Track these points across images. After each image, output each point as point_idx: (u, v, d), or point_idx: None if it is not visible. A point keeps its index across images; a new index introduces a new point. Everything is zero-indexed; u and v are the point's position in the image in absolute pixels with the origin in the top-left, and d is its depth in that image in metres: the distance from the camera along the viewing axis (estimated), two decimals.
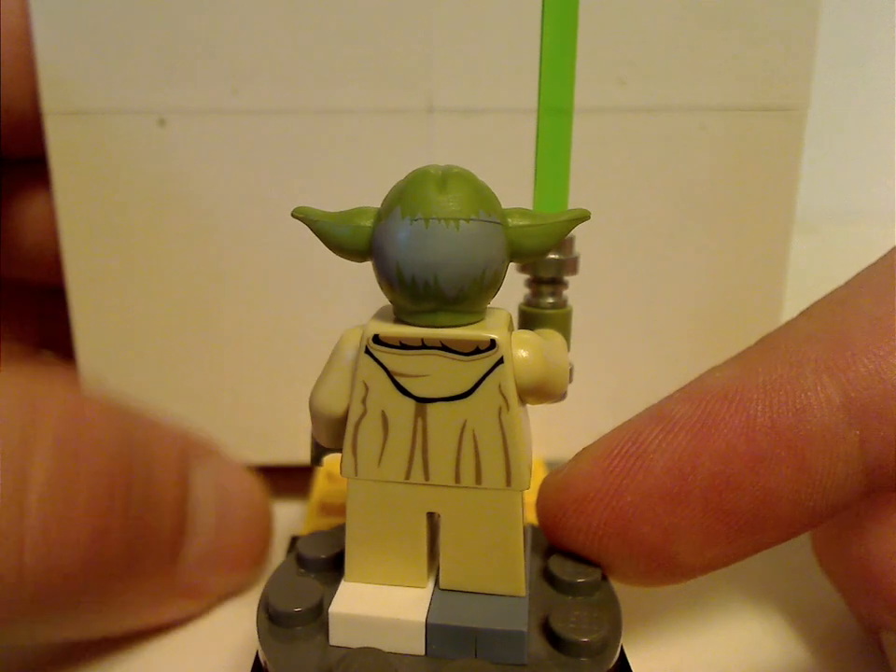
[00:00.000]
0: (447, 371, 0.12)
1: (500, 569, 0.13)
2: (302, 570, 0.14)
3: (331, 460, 0.20)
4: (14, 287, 0.22)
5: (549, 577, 0.14)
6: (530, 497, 0.18)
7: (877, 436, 0.13)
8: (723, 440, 0.13)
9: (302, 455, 0.21)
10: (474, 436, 0.12)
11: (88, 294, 0.19)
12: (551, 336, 0.14)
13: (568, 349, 0.14)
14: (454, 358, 0.12)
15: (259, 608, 0.13)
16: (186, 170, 0.19)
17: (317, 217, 0.12)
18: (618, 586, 0.14)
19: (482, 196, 0.11)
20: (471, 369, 0.12)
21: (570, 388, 0.14)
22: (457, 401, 0.12)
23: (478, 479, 0.12)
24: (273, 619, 0.13)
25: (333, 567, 0.14)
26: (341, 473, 0.13)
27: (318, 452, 0.14)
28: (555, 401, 0.13)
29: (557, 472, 0.15)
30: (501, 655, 0.12)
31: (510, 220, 0.12)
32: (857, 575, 0.14)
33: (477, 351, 0.12)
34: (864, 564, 0.14)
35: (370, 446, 0.12)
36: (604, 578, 0.14)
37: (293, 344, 0.20)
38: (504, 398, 0.12)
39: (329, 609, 0.12)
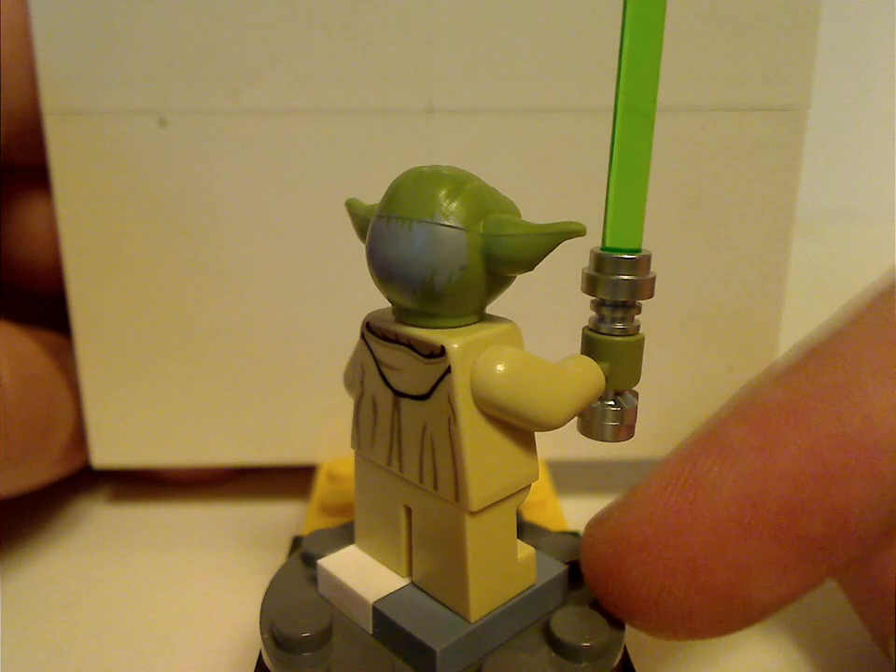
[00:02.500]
0: (413, 370, 0.12)
1: (451, 584, 0.12)
2: (307, 567, 0.14)
3: (331, 460, 0.20)
4: (13, 295, 0.22)
5: (548, 635, 0.12)
6: (535, 496, 0.18)
7: None
8: (791, 460, 0.12)
9: (303, 454, 0.21)
10: (432, 441, 0.12)
11: (88, 295, 0.19)
12: (573, 363, 0.12)
13: (637, 380, 0.13)
14: (416, 358, 0.12)
15: (262, 627, 0.13)
16: (186, 170, 0.19)
17: (356, 210, 0.13)
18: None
19: (450, 198, 0.11)
20: (429, 372, 0.12)
21: None
22: (420, 401, 0.12)
23: (435, 485, 0.12)
24: (279, 643, 0.12)
25: None
26: (351, 444, 0.13)
27: None
28: (543, 429, 0.12)
29: (605, 519, 0.13)
30: (419, 666, 0.12)
31: (481, 227, 0.11)
32: (869, 584, 0.13)
33: (433, 355, 0.11)
34: (878, 573, 0.13)
35: (366, 425, 0.13)
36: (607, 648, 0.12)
37: (294, 345, 0.20)
38: (451, 408, 0.11)
39: (318, 560, 0.13)
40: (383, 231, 0.11)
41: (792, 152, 0.19)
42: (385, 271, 0.11)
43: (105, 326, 0.20)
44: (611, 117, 0.17)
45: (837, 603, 0.16)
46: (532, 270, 0.11)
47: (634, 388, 0.13)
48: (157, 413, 0.20)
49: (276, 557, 0.19)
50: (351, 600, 0.13)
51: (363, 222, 0.12)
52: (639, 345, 0.13)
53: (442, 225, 0.11)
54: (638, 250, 0.13)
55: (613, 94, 0.18)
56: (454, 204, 0.11)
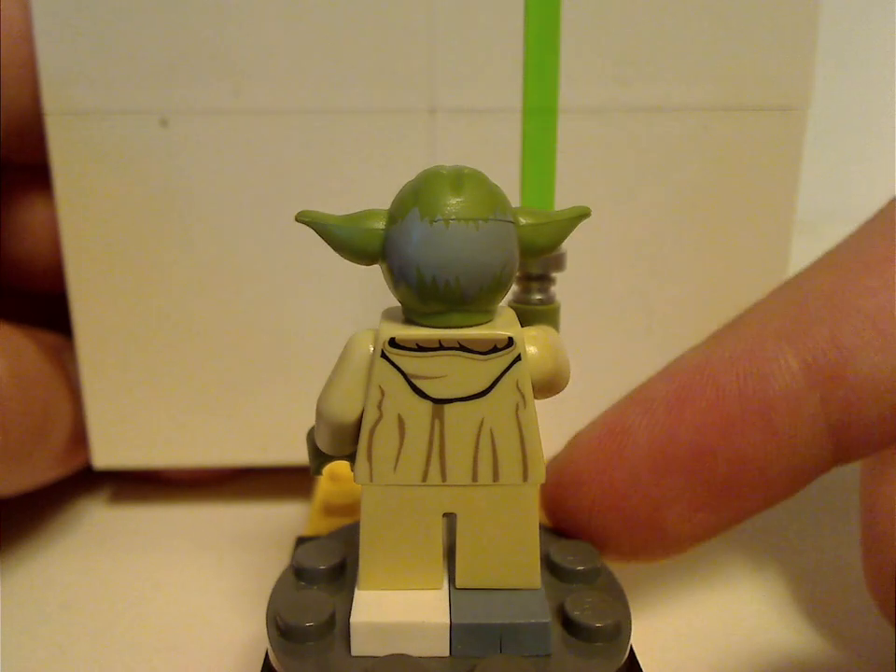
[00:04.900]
0: (464, 371, 0.12)
1: (517, 563, 0.13)
2: (302, 583, 0.14)
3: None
4: (13, 294, 0.22)
5: (550, 566, 0.14)
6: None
7: (836, 397, 0.13)
8: (697, 411, 0.14)
9: (304, 455, 0.21)
10: (491, 434, 0.12)
11: (89, 295, 0.19)
12: (548, 331, 0.14)
13: None
14: (471, 358, 0.12)
15: (268, 624, 0.13)
16: (188, 170, 0.19)
17: (325, 221, 0.12)
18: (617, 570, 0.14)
19: (495, 196, 0.12)
20: (489, 367, 0.12)
21: (570, 387, 0.14)
22: (474, 400, 0.12)
23: (495, 476, 0.12)
24: (284, 634, 0.12)
25: (334, 578, 0.14)
26: (355, 480, 0.12)
27: (319, 462, 0.14)
28: (560, 391, 0.13)
29: (556, 458, 0.16)
30: (527, 648, 0.12)
31: (521, 219, 0.12)
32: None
33: (494, 350, 0.12)
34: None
35: (385, 451, 0.12)
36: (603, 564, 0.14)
37: (296, 345, 0.20)
38: (521, 394, 0.12)
39: (351, 620, 0.12)
40: (438, 235, 0.11)
41: (792, 152, 0.19)
42: (449, 274, 0.11)
43: (105, 326, 0.20)
44: (611, 116, 0.17)
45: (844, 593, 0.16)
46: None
47: None
48: (158, 413, 0.20)
49: (278, 558, 0.19)
50: (415, 636, 0.12)
51: (342, 230, 0.12)
52: (557, 312, 0.15)
53: (504, 220, 0.12)
54: None
55: (612, 94, 0.18)
56: (501, 200, 0.12)
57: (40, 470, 0.19)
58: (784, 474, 0.14)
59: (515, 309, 0.14)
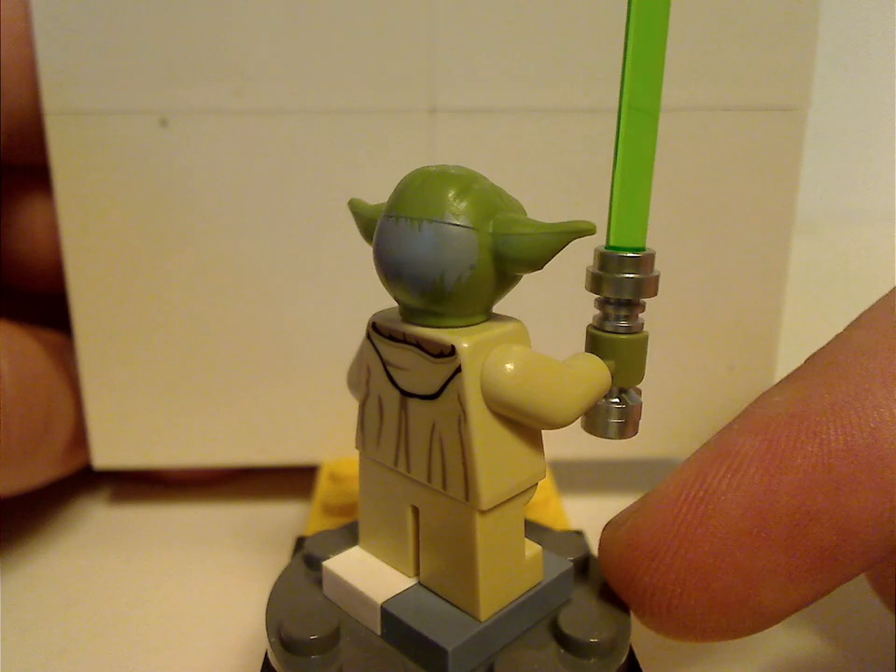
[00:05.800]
0: (421, 369, 0.12)
1: (460, 584, 0.12)
2: (310, 570, 0.14)
3: (332, 461, 0.20)
4: (13, 294, 0.22)
5: (556, 631, 0.13)
6: (538, 495, 0.18)
7: None
8: (799, 471, 0.12)
9: (304, 455, 0.21)
10: (441, 440, 0.12)
11: (88, 295, 0.19)
12: (580, 361, 0.13)
13: (641, 378, 0.13)
14: (425, 358, 0.12)
15: (268, 630, 0.13)
16: (188, 170, 0.19)
17: (353, 208, 0.13)
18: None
19: (460, 197, 0.11)
20: (438, 371, 0.12)
21: None
22: (428, 401, 0.12)
23: (444, 484, 0.12)
24: (287, 646, 0.12)
25: None
26: (355, 445, 0.13)
27: None
28: (553, 427, 0.12)
29: (619, 525, 0.14)
30: (430, 665, 0.12)
31: (491, 227, 0.11)
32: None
33: (442, 354, 0.11)
34: None
35: (371, 426, 0.13)
36: (612, 645, 0.12)
37: (295, 345, 0.20)
38: (462, 408, 0.11)
39: (323, 563, 0.13)
40: (391, 230, 0.11)
41: (792, 152, 0.19)
42: (393, 270, 0.11)
43: (105, 325, 0.20)
44: (613, 116, 0.17)
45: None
46: (541, 269, 0.11)
47: (637, 386, 0.13)
48: (157, 412, 0.20)
49: (277, 558, 0.19)
50: (358, 601, 0.13)
51: (368, 222, 0.12)
52: (644, 343, 0.13)
53: (452, 224, 0.11)
54: (642, 248, 0.13)
55: (615, 94, 0.18)
56: (463, 204, 0.11)
57: (41, 470, 0.19)
58: (890, 535, 0.12)
59: (592, 335, 0.13)
